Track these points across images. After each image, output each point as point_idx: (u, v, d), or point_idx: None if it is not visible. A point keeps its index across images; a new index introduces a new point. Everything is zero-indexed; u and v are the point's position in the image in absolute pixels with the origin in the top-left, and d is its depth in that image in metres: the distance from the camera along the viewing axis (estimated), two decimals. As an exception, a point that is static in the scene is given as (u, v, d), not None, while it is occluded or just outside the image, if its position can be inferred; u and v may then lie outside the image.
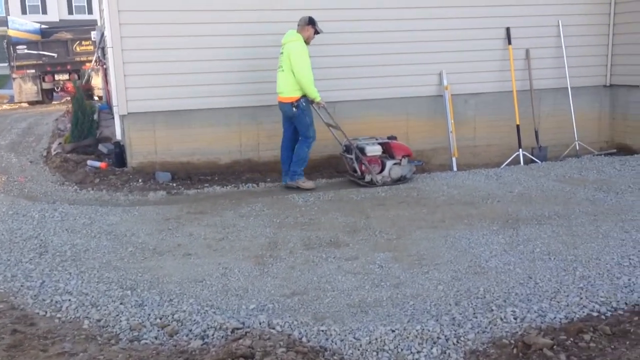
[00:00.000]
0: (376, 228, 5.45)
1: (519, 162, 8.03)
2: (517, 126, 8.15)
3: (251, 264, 4.62)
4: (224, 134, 7.57)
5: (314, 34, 6.80)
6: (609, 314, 3.53)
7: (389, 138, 7.29)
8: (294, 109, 6.76)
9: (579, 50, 8.40)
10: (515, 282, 4.09)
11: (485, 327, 3.42)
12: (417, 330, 3.37)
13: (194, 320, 3.62)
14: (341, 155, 7.45)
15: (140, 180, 7.20)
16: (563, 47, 8.29)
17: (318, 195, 6.67)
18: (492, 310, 3.63)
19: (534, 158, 8.07)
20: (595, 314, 3.54)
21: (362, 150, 7.03)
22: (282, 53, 6.79)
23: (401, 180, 7.09)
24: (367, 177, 7.00)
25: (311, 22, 6.77)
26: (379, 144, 7.12)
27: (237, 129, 7.60)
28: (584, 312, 3.57)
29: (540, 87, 8.36)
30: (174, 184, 7.23)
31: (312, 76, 6.68)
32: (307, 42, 6.78)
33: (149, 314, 3.71)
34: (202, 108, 7.44)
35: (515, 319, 3.50)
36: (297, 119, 6.83)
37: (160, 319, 3.66)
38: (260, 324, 3.53)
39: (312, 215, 5.95)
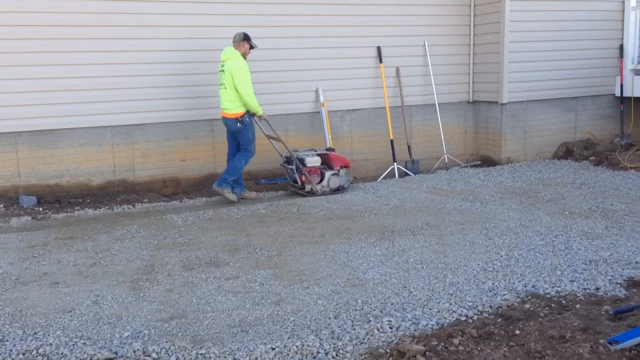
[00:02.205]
0: (257, 245, 5.43)
1: (394, 175, 8.37)
2: (391, 141, 8.49)
3: (126, 289, 4.42)
4: (96, 154, 7.23)
5: (249, 49, 6.94)
6: (475, 317, 3.75)
7: (327, 150, 7.68)
8: (238, 124, 6.91)
9: (444, 69, 8.94)
10: (391, 292, 4.23)
11: (363, 338, 3.50)
12: (297, 347, 3.38)
13: (62, 354, 3.38)
14: (282, 166, 7.66)
15: (1, 206, 6.68)
16: (430, 65, 8.78)
17: (197, 214, 6.54)
18: (370, 321, 3.73)
19: (407, 171, 8.45)
20: (463, 318, 3.74)
21: (302, 161, 7.28)
22: (222, 70, 6.88)
23: (339, 189, 7.40)
24: (307, 187, 7.25)
25: (246, 38, 6.90)
26: (318, 155, 7.40)
27: (109, 148, 7.28)
28: (453, 317, 3.76)
29: (411, 103, 8.79)
30: (41, 209, 6.78)
31: (253, 91, 6.85)
32: (243, 57, 6.89)
33: (11, 350, 3.43)
34: (70, 127, 7.06)
35: (390, 328, 3.62)
36: (240, 133, 6.97)
37: (24, 354, 3.39)
38: (134, 352, 3.38)
39: (191, 235, 5.82)
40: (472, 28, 9.02)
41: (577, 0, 8.94)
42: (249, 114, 6.97)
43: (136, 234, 5.84)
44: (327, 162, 7.44)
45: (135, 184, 7.46)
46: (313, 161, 7.31)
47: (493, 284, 4.29)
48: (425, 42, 8.74)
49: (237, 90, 6.77)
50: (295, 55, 7.97)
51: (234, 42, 6.92)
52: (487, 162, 9.07)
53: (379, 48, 8.45)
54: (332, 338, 3.51)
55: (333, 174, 7.38)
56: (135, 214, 6.67)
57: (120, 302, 4.18)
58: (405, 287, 4.30)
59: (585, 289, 4.12)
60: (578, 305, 3.82)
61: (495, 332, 3.47)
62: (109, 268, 4.89)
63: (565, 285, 4.19)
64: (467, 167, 8.81)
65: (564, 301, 3.93)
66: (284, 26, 7.84)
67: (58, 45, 6.87)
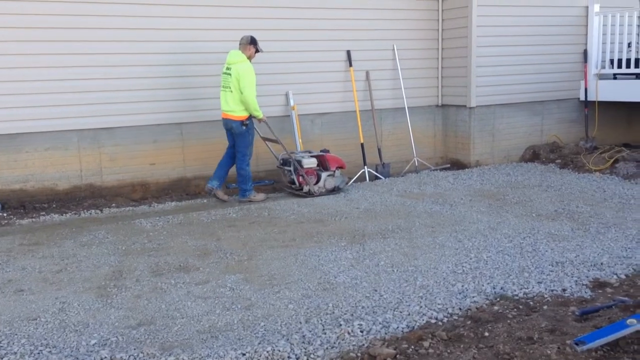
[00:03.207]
0: (227, 250, 5.39)
1: (365, 179, 8.39)
2: (362, 144, 8.52)
3: (93, 296, 4.34)
4: (61, 158, 7.09)
5: (255, 52, 7.00)
6: (445, 320, 3.78)
7: (322, 151, 7.71)
8: (243, 127, 6.97)
9: (414, 73, 9.01)
10: (362, 295, 4.24)
11: (334, 343, 3.50)
12: (267, 352, 3.36)
13: (26, 363, 3.31)
14: (278, 168, 7.71)
15: (-37, 211, 6.50)
16: (399, 69, 8.84)
17: (167, 219, 6.47)
18: (341, 325, 3.72)
19: (378, 174, 8.49)
20: (433, 321, 3.77)
21: (299, 162, 7.30)
22: (227, 73, 6.91)
23: (335, 190, 7.47)
24: (305, 188, 7.32)
25: (253, 41, 6.96)
26: (314, 156, 7.45)
27: (76, 152, 7.15)
28: (423, 319, 3.78)
29: (381, 107, 8.84)
30: (5, 214, 6.63)
31: (255, 94, 6.94)
32: (248, 60, 6.96)
33: (-27, 361, 3.34)
34: (35, 131, 6.92)
35: (361, 331, 3.62)
36: (242, 136, 7.03)
37: (-14, 365, 3.30)
38: (102, 359, 3.32)
39: (160, 240, 5.75)
40: (440, 33, 9.12)
41: (542, 7, 9.10)
42: (251, 118, 7.05)
43: (104, 239, 5.74)
44: (323, 163, 7.51)
45: (102, 189, 7.34)
46: (310, 162, 7.38)
47: (462, 286, 4.33)
48: (395, 47, 8.81)
49: (241, 92, 6.81)
50: (264, 58, 7.92)
51: (240, 44, 6.97)
52: (457, 165, 9.17)
53: (348, 52, 8.48)
54: (303, 343, 3.50)
55: (329, 175, 7.46)
56: (103, 219, 6.56)
57: (87, 309, 4.10)
58: (376, 291, 4.31)
59: (552, 290, 4.19)
60: (545, 307, 3.88)
61: (465, 334, 3.50)
62: (75, 274, 4.80)
63: (533, 287, 4.25)
64: (437, 170, 8.89)
65: (531, 303, 3.99)
66: (253, 29, 7.80)
67: (19, 47, 6.72)
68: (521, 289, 4.24)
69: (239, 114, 6.98)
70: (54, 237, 5.81)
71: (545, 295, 4.09)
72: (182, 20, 7.44)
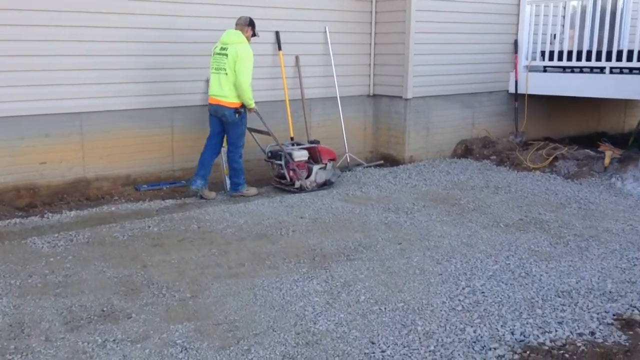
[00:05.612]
0: (161, 283, 4.26)
1: (295, 178, 7.44)
2: (292, 138, 7.55)
3: (-13, 374, 3.09)
4: None
5: (252, 36, 6.42)
6: (481, 389, 2.99)
7: (311, 142, 7.19)
8: (236, 115, 6.29)
9: (345, 59, 8.15)
10: (358, 351, 3.34)
11: None
12: None
13: None
14: (266, 161, 7.05)
15: None
16: (331, 54, 7.94)
17: (69, 237, 5.16)
18: (352, 405, 2.82)
19: (309, 172, 7.58)
20: (468, 391, 2.97)
21: (289, 155, 6.71)
22: (223, 54, 6.20)
23: (326, 184, 6.97)
24: (297, 184, 6.74)
25: (252, 23, 6.39)
26: (304, 148, 6.92)
27: (-59, 149, 5.55)
28: (455, 391, 2.97)
29: (311, 96, 7.90)
30: None
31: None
32: None
33: None
34: None
35: (386, 417, 2.74)
36: (234, 125, 6.34)
37: None
38: None
39: (66, 269, 4.48)
40: (373, 16, 8.31)
41: (478, -7, 8.59)
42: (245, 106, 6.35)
43: (-12, 271, 4.37)
44: (313, 155, 6.94)
45: (-22, 195, 5.80)
46: (301, 155, 6.79)
47: (475, 332, 3.56)
48: (327, 29, 7.88)
49: (237, 77, 6.11)
50: (182, 37, 6.70)
51: (237, 25, 6.33)
52: (389, 161, 8.46)
53: (277, 33, 7.43)
54: None
55: (320, 168, 6.89)
56: (-18, 238, 5.11)
57: (-17, 400, 2.86)
58: (374, 343, 3.43)
59: (580, 335, 3.54)
60: (588, 362, 3.22)
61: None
62: (-46, 334, 3.47)
63: (556, 330, 3.58)
64: (370, 167, 8.14)
65: (567, 355, 3.30)
66: (171, 2, 6.55)
67: None
68: (543, 332, 3.56)
69: (233, 99, 6.24)
70: None
71: (578, 343, 3.43)
72: (81, -15, 6.01)
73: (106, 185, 6.52)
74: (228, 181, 6.71)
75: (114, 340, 3.46)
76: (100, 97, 6.31)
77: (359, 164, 8.22)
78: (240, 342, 3.44)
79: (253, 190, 6.67)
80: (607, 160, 7.61)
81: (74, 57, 6.09)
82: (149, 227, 5.48)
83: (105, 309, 3.84)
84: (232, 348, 3.37)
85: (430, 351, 3.34)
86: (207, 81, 6.98)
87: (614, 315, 3.79)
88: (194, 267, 4.55)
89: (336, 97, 8.07)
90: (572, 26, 8.72)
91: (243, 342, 3.44)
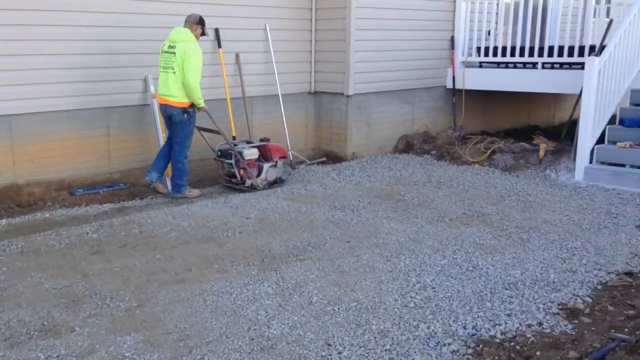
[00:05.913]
0: (104, 292, 4.08)
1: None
2: (234, 137, 7.41)
3: None
4: None
5: (201, 34, 6.28)
6: (439, 386, 3.01)
7: (261, 140, 7.10)
8: (185, 114, 6.14)
9: (285, 56, 8.07)
10: (314, 354, 3.30)
11: None
12: None
13: None
14: (215, 160, 6.94)
15: None
16: (272, 52, 7.85)
17: (2, 247, 4.88)
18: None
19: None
20: (426, 390, 2.98)
21: (240, 154, 6.63)
22: (171, 52, 6.02)
23: (277, 182, 6.90)
24: (248, 182, 6.66)
25: (201, 21, 6.25)
26: (255, 146, 6.85)
27: None
28: (414, 390, 2.97)
29: (252, 94, 7.78)
30: None
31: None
32: None
33: None
34: None
35: (348, 421, 2.71)
36: (182, 125, 6.19)
37: None
38: None
39: (1, 281, 4.23)
40: (313, 12, 8.27)
41: (415, -11, 8.69)
42: (194, 106, 6.22)
43: None
44: (264, 153, 6.87)
45: None
46: (251, 153, 6.72)
47: (428, 328, 3.59)
48: (267, 26, 7.77)
49: (185, 75, 5.96)
50: (117, 34, 6.46)
51: (186, 22, 6.18)
52: (332, 158, 8.46)
53: (217, 30, 7.27)
54: None
55: (271, 166, 6.85)
56: None
57: None
58: (330, 345, 3.40)
59: (528, 326, 3.62)
60: (538, 353, 3.29)
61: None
62: None
63: (506, 323, 3.65)
64: (313, 164, 8.11)
65: (518, 347, 3.37)
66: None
67: None
68: (494, 325, 3.62)
69: (181, 99, 6.10)
70: None
71: (527, 334, 3.51)
72: None
73: (39, 191, 6.21)
74: (169, 182, 6.54)
75: (57, 356, 3.28)
76: (30, 98, 5.99)
77: (301, 162, 8.18)
78: (192, 351, 3.34)
79: (196, 192, 6.52)
80: (541, 153, 7.88)
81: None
82: (87, 233, 5.25)
83: (45, 323, 3.64)
84: (184, 358, 3.26)
85: (386, 350, 3.34)
86: (145, 80, 6.79)
87: (558, 304, 3.91)
88: (138, 275, 4.39)
89: (278, 95, 7.98)
90: (505, 23, 8.97)
91: (196, 351, 3.33)
